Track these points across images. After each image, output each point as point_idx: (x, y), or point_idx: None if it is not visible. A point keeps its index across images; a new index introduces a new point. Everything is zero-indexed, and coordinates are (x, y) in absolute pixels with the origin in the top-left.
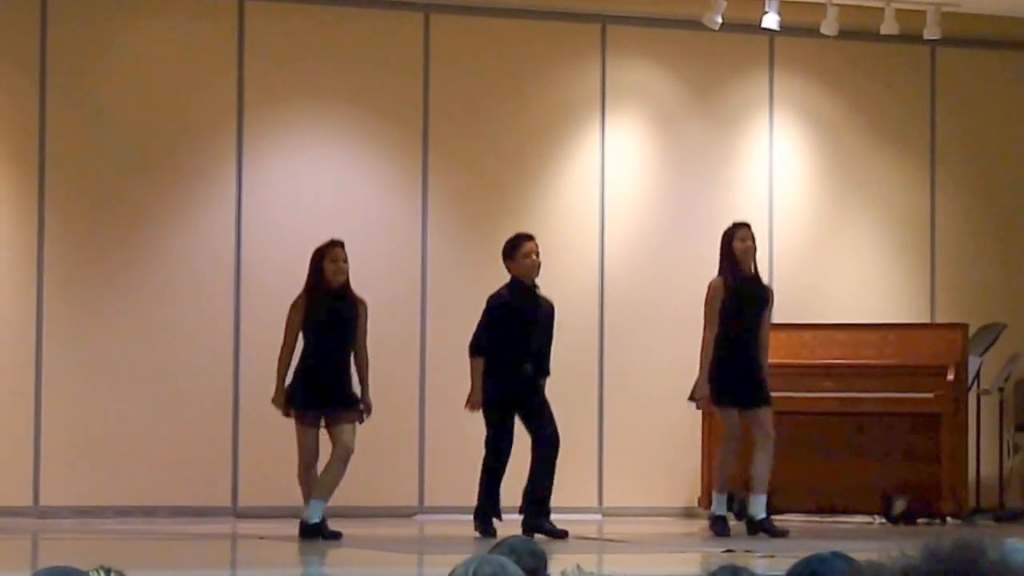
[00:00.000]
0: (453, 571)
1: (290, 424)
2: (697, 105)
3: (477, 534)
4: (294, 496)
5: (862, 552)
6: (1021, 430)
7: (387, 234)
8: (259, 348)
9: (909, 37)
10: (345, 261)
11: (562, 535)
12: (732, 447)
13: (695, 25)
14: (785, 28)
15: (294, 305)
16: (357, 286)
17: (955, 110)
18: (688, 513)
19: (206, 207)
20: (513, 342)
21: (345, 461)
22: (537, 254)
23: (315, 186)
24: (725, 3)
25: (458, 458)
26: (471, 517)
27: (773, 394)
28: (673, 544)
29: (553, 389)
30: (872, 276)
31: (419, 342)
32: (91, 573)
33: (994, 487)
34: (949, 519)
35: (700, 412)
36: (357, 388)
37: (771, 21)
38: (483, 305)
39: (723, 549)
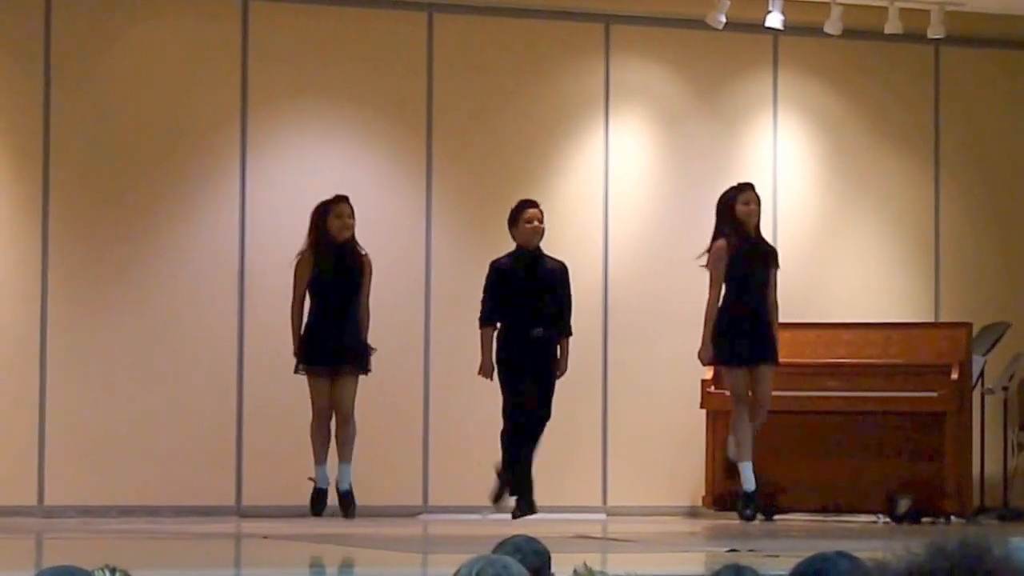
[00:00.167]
0: (457, 571)
1: (292, 423)
2: (701, 104)
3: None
4: (298, 495)
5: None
6: None
7: (391, 233)
8: (263, 347)
9: (913, 36)
10: (351, 217)
11: (520, 512)
12: (742, 409)
13: (699, 24)
14: (789, 27)
15: (299, 262)
16: None
17: (959, 109)
18: (692, 512)
19: (210, 206)
20: (518, 307)
21: (348, 419)
22: (540, 220)
23: (319, 185)
24: (729, 2)
25: (462, 457)
26: (476, 516)
27: (777, 394)
28: (677, 544)
29: (557, 387)
30: (876, 275)
31: (423, 341)
32: (95, 572)
33: (998, 486)
34: (953, 518)
35: (705, 412)
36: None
37: (775, 20)
38: None
39: (727, 549)
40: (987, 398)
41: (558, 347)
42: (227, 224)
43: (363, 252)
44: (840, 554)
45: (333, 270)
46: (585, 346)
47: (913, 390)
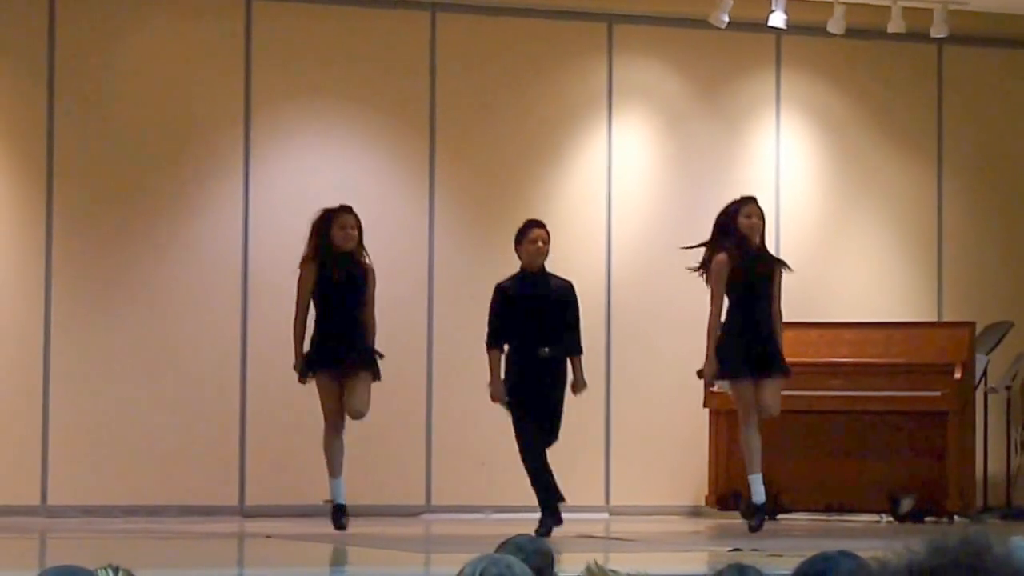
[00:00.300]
0: (461, 571)
1: (295, 424)
2: (704, 104)
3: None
4: (301, 494)
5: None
6: None
7: (394, 233)
8: (266, 347)
9: (916, 35)
10: (354, 227)
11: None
12: (752, 422)
13: (702, 24)
14: (792, 27)
15: (302, 273)
16: None
17: (962, 108)
18: (695, 512)
19: (213, 207)
20: (522, 328)
21: (357, 418)
22: (545, 241)
23: (322, 185)
24: (732, 2)
25: (465, 457)
26: (479, 516)
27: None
28: (680, 543)
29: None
30: (879, 274)
31: (426, 341)
32: (98, 572)
33: (1001, 485)
34: (956, 517)
35: (707, 411)
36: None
37: (778, 20)
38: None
39: (730, 548)
40: (990, 397)
41: (567, 367)
42: (230, 224)
43: (368, 262)
44: (843, 553)
45: (337, 280)
46: (588, 345)
47: (916, 389)
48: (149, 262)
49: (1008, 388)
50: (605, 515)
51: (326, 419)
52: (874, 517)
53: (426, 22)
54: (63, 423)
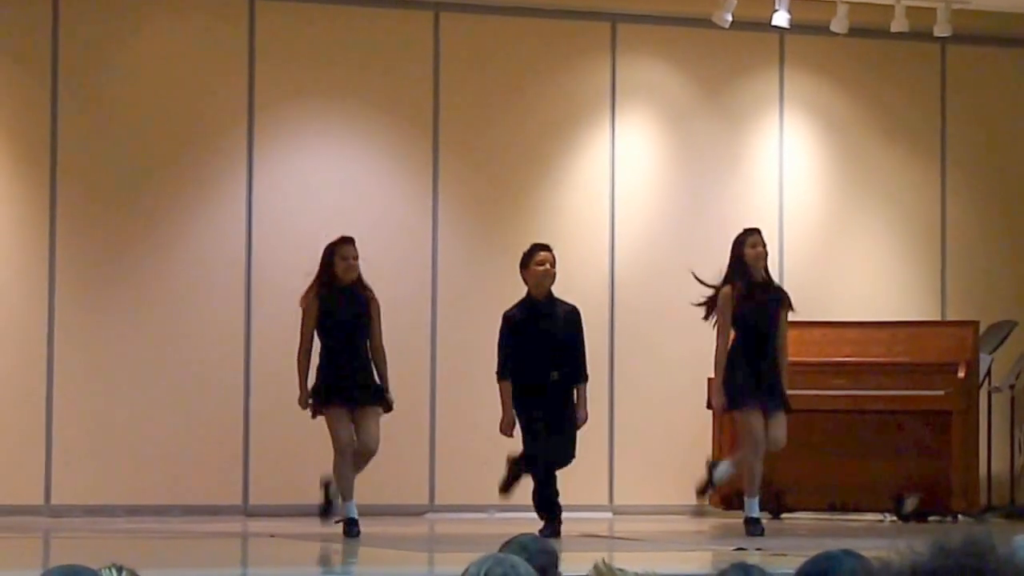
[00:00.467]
0: (466, 570)
1: (298, 422)
2: (707, 103)
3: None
4: (305, 494)
5: (873, 550)
6: None
7: (398, 233)
8: (270, 347)
9: (919, 34)
10: (355, 258)
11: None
12: (759, 451)
13: (705, 23)
14: (795, 26)
15: (306, 308)
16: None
17: (965, 107)
18: (699, 512)
19: (217, 207)
20: (531, 357)
21: (367, 460)
22: (552, 264)
23: (326, 185)
24: (735, 1)
25: (469, 457)
26: (482, 515)
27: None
28: (684, 542)
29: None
30: (882, 273)
31: (430, 341)
32: (102, 572)
33: (1005, 484)
34: (960, 516)
35: (710, 411)
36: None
37: (781, 19)
38: (493, 304)
39: (734, 547)
40: (994, 396)
41: (575, 392)
42: (233, 223)
43: (370, 293)
44: (847, 553)
45: (340, 312)
46: (591, 345)
47: (920, 389)
48: (152, 262)
49: (1012, 387)
50: (609, 515)
51: (339, 451)
52: (878, 516)
53: (430, 22)
54: (66, 423)
